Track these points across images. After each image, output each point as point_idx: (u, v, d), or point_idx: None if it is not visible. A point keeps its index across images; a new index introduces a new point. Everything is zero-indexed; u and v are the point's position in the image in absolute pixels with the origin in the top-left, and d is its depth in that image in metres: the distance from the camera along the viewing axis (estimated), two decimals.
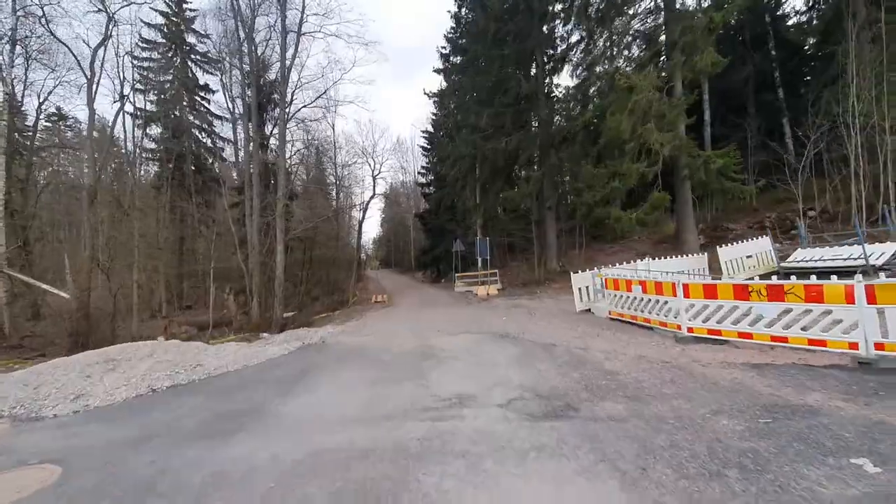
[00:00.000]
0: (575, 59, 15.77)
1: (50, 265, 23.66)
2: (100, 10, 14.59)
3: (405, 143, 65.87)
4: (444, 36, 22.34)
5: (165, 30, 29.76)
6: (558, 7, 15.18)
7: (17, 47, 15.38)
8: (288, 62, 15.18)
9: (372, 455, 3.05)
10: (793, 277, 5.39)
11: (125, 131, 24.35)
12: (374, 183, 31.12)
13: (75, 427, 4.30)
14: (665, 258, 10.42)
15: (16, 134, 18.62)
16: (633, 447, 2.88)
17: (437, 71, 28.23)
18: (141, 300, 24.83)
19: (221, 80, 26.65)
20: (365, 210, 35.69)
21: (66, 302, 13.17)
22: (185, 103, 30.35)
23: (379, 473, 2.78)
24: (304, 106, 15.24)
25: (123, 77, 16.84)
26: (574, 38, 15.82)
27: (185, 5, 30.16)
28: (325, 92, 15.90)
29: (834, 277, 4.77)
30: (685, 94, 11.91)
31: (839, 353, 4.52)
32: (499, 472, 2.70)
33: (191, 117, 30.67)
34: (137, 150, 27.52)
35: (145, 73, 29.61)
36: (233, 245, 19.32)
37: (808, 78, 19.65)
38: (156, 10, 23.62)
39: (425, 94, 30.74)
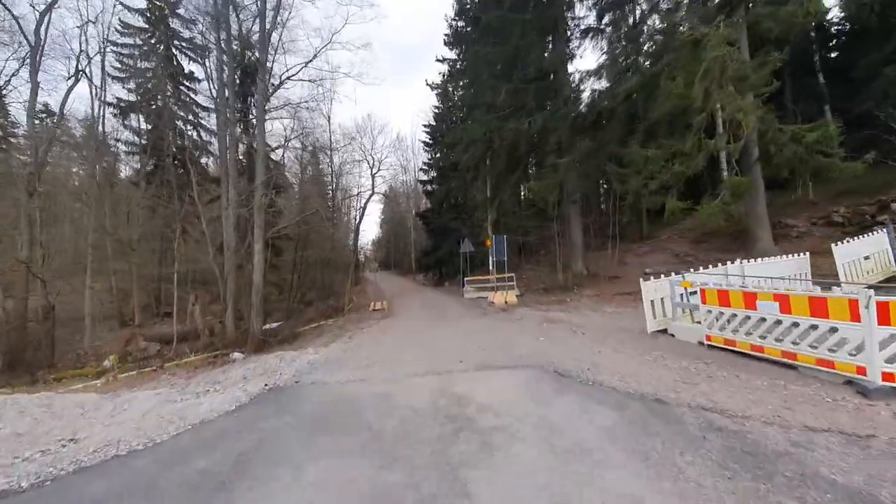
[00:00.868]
0: (609, 20, 13.13)
1: None
2: None
3: (405, 141, 63.67)
4: (452, 5, 19.89)
5: (148, 14, 27.32)
6: None
7: None
8: (268, 23, 12.70)
9: None
10: None
11: (93, 117, 21.74)
12: (373, 181, 28.81)
13: None
14: (754, 261, 7.91)
15: None
16: None
17: (441, 60, 25.86)
18: (113, 307, 22.36)
19: (206, 66, 24.20)
20: (363, 210, 33.37)
21: None
22: (168, 93, 27.90)
23: None
24: (290, 77, 12.80)
25: (81, 49, 14.35)
26: None
27: None
28: (314, 58, 13.27)
29: None
30: (765, 53, 9.40)
31: None
32: None
33: (175, 108, 28.20)
34: (111, 140, 24.98)
35: (124, 60, 27.24)
36: (215, 245, 16.82)
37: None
38: None
39: (427, 85, 28.50)
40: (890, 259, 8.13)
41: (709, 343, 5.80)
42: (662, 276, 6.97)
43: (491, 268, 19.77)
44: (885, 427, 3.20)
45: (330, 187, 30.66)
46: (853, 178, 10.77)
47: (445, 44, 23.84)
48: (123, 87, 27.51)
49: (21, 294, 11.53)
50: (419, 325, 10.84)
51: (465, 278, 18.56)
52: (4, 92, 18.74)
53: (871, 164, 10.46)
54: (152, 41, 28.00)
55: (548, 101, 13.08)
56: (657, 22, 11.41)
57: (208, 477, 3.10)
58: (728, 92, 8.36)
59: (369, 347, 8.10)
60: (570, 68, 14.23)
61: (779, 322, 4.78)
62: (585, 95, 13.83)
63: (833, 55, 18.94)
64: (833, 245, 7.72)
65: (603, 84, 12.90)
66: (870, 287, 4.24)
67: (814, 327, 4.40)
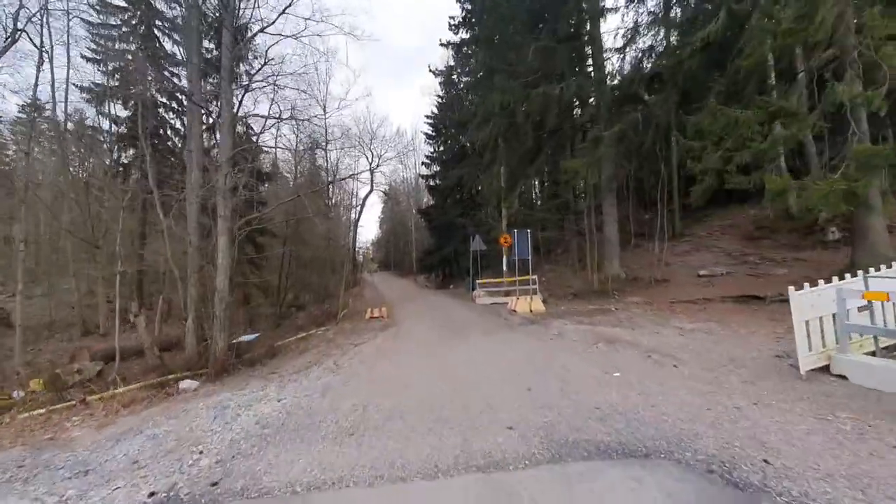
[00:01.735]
0: None
1: None
2: None
3: (405, 136, 61.29)
4: None
5: None
6: None
7: None
8: None
9: None
10: None
11: (54, 102, 19.14)
12: (372, 177, 26.52)
13: None
14: None
15: None
16: None
17: (446, 44, 23.30)
18: (76, 314, 19.92)
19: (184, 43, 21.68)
20: (361, 207, 31.05)
21: None
22: (150, 77, 25.42)
23: None
24: (265, 29, 10.18)
25: (21, 5, 11.81)
26: None
27: None
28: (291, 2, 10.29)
29: None
30: None
31: None
32: None
33: (156, 94, 25.72)
34: (77, 128, 22.53)
35: (100, 41, 24.77)
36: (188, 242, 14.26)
37: None
38: None
39: (430, 71, 26.43)
40: None
41: None
42: (822, 282, 4.44)
43: (505, 268, 17.28)
44: None
45: (327, 180, 28.33)
46: None
47: (450, 27, 21.51)
48: (98, 70, 24.93)
49: None
50: (428, 344, 8.34)
51: (478, 281, 16.07)
52: None
53: None
54: (133, 22, 25.54)
55: (584, 64, 10.56)
56: None
57: None
58: (873, 13, 5.88)
59: (359, 387, 5.59)
60: (603, 27, 11.78)
61: None
62: (630, 56, 11.32)
63: None
64: None
65: (652, 40, 10.34)
66: None
67: None
